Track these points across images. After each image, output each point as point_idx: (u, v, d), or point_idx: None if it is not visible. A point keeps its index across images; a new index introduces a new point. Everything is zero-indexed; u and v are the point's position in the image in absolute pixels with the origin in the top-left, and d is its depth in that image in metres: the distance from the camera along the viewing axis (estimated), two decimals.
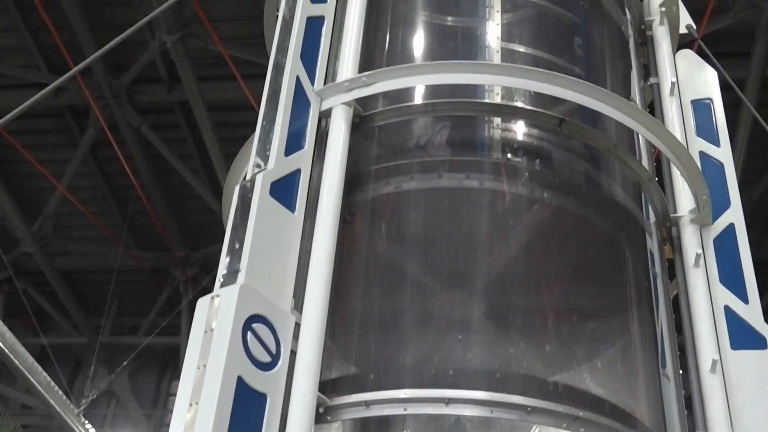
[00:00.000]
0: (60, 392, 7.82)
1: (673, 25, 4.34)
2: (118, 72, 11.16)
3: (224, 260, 2.82)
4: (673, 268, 3.61)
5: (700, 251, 3.53)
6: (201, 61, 10.81)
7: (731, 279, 3.52)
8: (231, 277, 2.74)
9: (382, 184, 3.36)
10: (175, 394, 3.69)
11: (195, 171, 12.06)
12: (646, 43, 4.32)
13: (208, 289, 2.81)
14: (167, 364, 14.44)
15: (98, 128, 11.51)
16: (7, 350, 7.24)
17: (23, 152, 11.66)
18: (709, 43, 4.67)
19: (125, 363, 12.43)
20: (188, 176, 11.94)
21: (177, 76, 10.94)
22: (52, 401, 7.64)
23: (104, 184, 12.60)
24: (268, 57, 3.55)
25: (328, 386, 2.86)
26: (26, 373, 7.32)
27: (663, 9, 4.33)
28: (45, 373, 7.53)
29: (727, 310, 3.44)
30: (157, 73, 11.28)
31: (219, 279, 2.77)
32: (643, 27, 4.36)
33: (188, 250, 13.07)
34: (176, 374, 14.05)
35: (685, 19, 4.41)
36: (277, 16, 3.79)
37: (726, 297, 3.47)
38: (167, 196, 12.47)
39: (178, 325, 12.91)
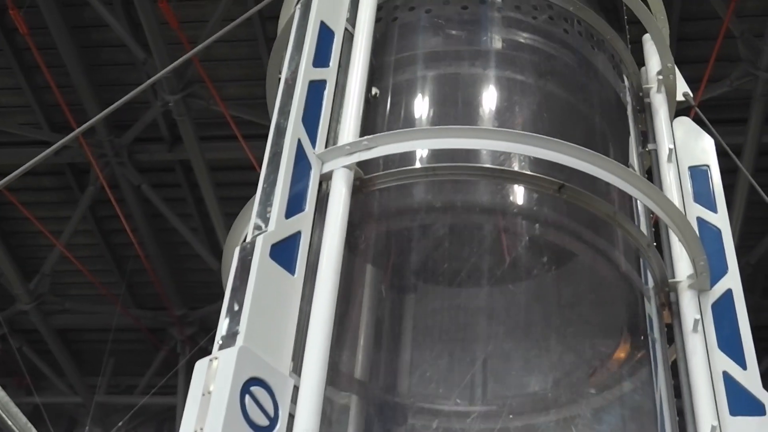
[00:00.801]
0: None
1: (671, 92, 4.40)
2: (119, 131, 11.23)
3: (223, 322, 2.81)
4: (672, 333, 3.60)
5: (698, 316, 3.53)
6: (203, 120, 10.89)
7: (729, 344, 3.51)
8: (230, 339, 2.73)
9: None
10: None
11: (194, 230, 12.07)
12: (644, 110, 4.37)
13: (206, 349, 2.81)
14: (163, 424, 14.28)
15: (98, 186, 11.53)
16: None
17: (22, 209, 11.66)
18: (706, 110, 4.73)
19: (120, 423, 12.28)
20: (188, 235, 11.94)
21: (178, 135, 11.00)
22: None
23: (103, 242, 12.58)
24: (270, 118, 3.58)
25: None
26: None
27: (660, 77, 4.39)
28: None
29: (726, 375, 3.42)
30: (158, 132, 11.35)
31: (218, 341, 2.76)
32: (640, 94, 4.41)
33: (186, 309, 12.99)
34: None
35: (682, 87, 4.47)
36: (279, 79, 3.83)
37: (725, 363, 3.45)
38: (166, 255, 12.45)
39: (174, 385, 12.79)
